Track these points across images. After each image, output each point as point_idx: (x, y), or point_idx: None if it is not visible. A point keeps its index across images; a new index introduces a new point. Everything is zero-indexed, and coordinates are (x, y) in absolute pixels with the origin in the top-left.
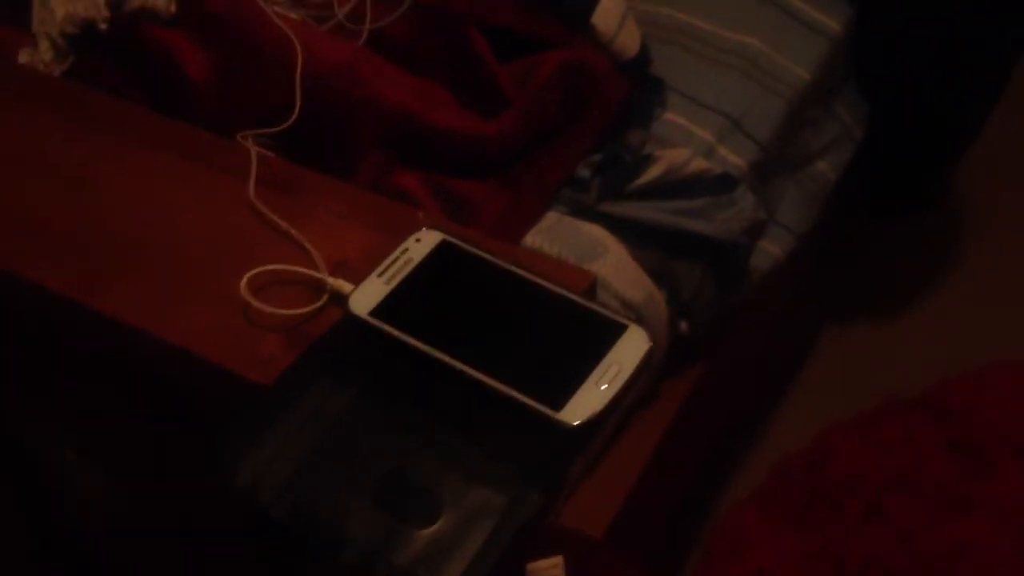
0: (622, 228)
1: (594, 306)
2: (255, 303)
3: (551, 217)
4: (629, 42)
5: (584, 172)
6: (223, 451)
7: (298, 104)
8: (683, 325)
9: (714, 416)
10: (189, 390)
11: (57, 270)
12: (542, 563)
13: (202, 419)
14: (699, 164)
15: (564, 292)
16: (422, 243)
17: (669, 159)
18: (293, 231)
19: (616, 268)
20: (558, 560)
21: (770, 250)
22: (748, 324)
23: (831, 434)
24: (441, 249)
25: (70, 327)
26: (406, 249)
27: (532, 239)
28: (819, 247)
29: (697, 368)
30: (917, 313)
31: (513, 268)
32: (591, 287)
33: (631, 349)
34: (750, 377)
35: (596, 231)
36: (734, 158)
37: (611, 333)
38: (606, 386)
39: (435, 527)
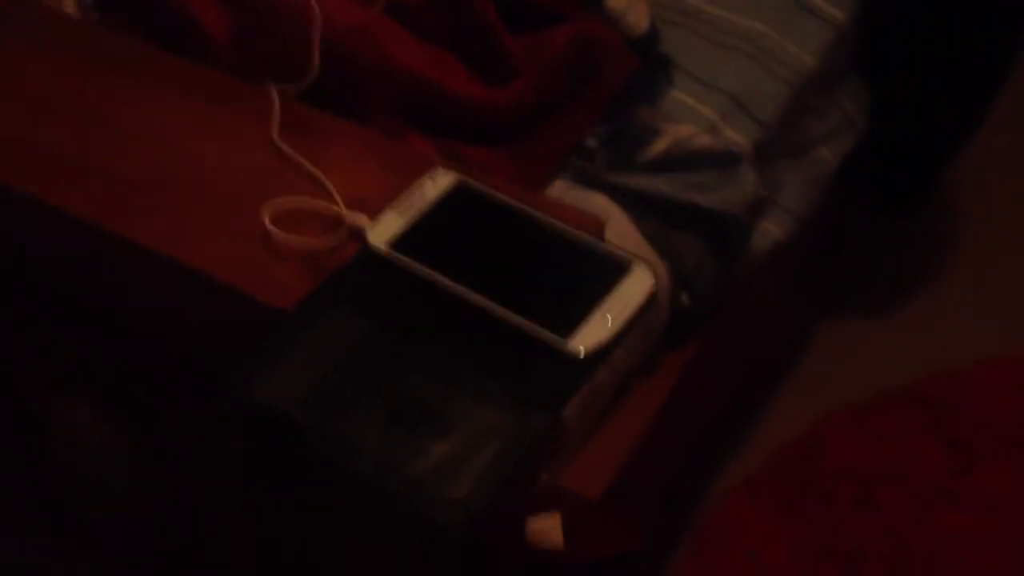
0: (626, 199)
1: (600, 244)
2: (276, 232)
3: (557, 187)
4: (639, 20)
5: (591, 142)
6: (242, 369)
7: (315, 64)
8: (684, 298)
9: (711, 394)
10: (195, 331)
11: (84, 202)
12: (542, 517)
13: (203, 360)
14: (703, 140)
15: (572, 231)
16: (438, 182)
17: (674, 133)
18: (313, 169)
19: (619, 238)
20: (555, 516)
21: (771, 231)
22: (746, 306)
23: (824, 425)
24: (456, 188)
25: (89, 260)
26: (423, 187)
27: None
28: (816, 239)
29: (697, 342)
30: (911, 309)
31: (524, 207)
32: (598, 231)
33: (636, 286)
34: (746, 360)
35: (600, 200)
36: (737, 137)
37: (617, 270)
38: (611, 319)
39: (445, 446)
